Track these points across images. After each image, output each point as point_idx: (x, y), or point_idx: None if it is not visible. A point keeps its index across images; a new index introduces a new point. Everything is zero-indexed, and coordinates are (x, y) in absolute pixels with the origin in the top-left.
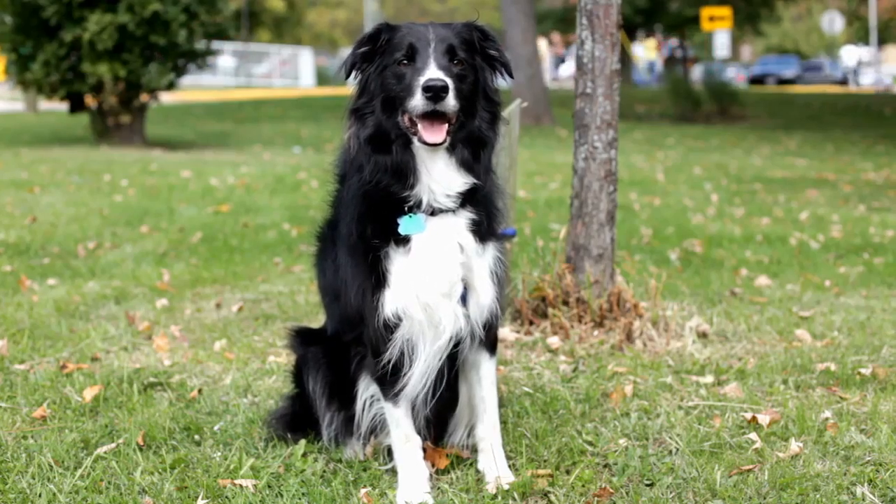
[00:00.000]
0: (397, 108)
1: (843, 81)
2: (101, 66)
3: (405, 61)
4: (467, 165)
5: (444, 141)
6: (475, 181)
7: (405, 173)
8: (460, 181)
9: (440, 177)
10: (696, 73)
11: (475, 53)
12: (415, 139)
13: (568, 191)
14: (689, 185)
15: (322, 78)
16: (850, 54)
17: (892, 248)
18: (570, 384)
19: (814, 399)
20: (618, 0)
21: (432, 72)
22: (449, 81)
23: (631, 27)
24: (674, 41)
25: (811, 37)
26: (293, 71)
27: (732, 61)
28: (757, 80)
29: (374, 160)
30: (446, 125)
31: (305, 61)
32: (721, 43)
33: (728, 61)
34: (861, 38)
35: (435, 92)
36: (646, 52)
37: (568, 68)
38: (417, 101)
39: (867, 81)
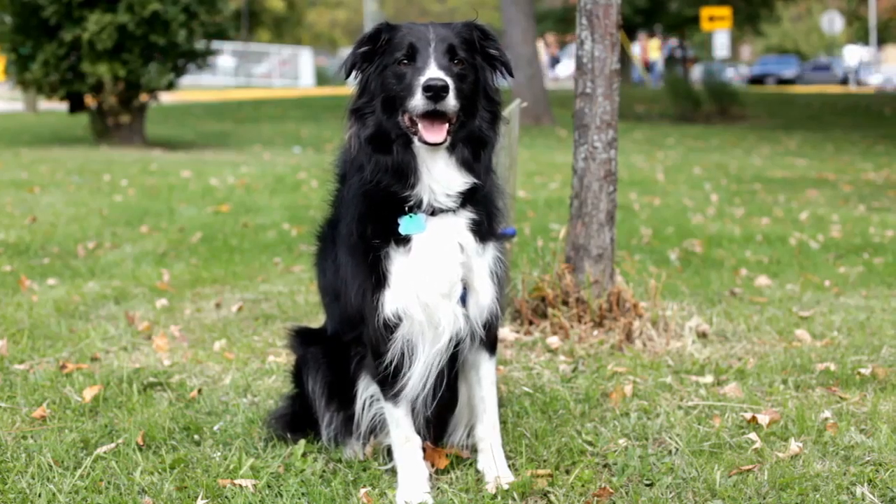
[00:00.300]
0: (398, 107)
1: (844, 81)
2: (101, 65)
3: (405, 61)
4: (468, 165)
5: (445, 141)
6: (475, 181)
7: (406, 173)
8: (460, 181)
9: (440, 176)
10: (696, 73)
11: (475, 53)
12: (415, 139)
13: (568, 191)
14: (689, 185)
15: (322, 78)
16: (852, 54)
17: (891, 248)
18: (570, 384)
19: (813, 399)
20: (617, 0)
21: (432, 71)
22: (449, 81)
23: (631, 27)
24: (673, 41)
25: (811, 37)
26: (293, 71)
27: (732, 61)
28: (756, 81)
29: (375, 160)
30: (447, 125)
31: (305, 61)
32: (721, 43)
33: (726, 61)
34: (861, 38)
35: (435, 91)
36: (650, 52)
37: (564, 68)
38: (418, 101)
39: (876, 81)
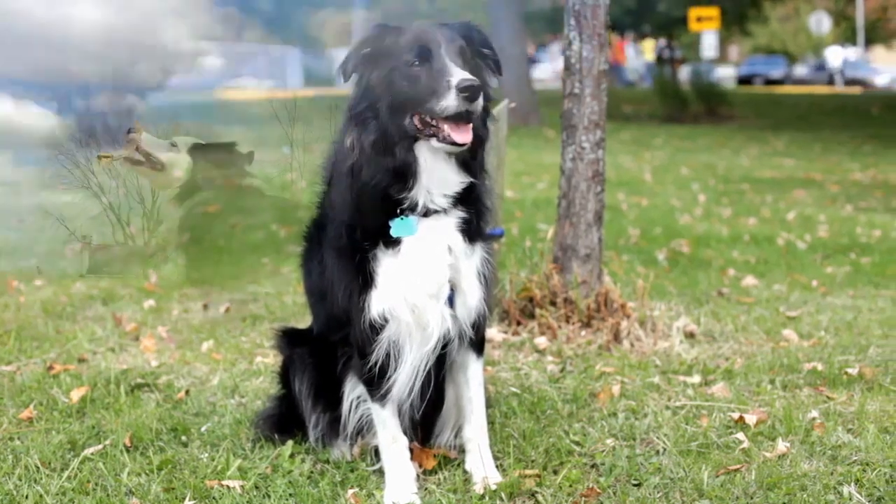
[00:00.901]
0: (408, 110)
1: (830, 81)
2: None
3: (418, 63)
4: (466, 164)
5: (471, 141)
6: (472, 180)
7: (405, 175)
8: (458, 181)
9: (440, 177)
10: (684, 73)
11: (474, 53)
12: (432, 140)
13: (555, 191)
14: (677, 185)
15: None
16: (835, 55)
17: (878, 248)
18: (558, 384)
19: (801, 399)
20: (605, 0)
21: (461, 73)
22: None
23: (617, 28)
24: (662, 42)
25: (798, 37)
26: (282, 71)
27: (721, 62)
28: (744, 81)
29: (376, 163)
30: (471, 125)
31: (294, 62)
32: (709, 43)
33: (714, 62)
34: (848, 38)
35: (472, 92)
36: (643, 53)
37: (542, 70)
38: (451, 102)
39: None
